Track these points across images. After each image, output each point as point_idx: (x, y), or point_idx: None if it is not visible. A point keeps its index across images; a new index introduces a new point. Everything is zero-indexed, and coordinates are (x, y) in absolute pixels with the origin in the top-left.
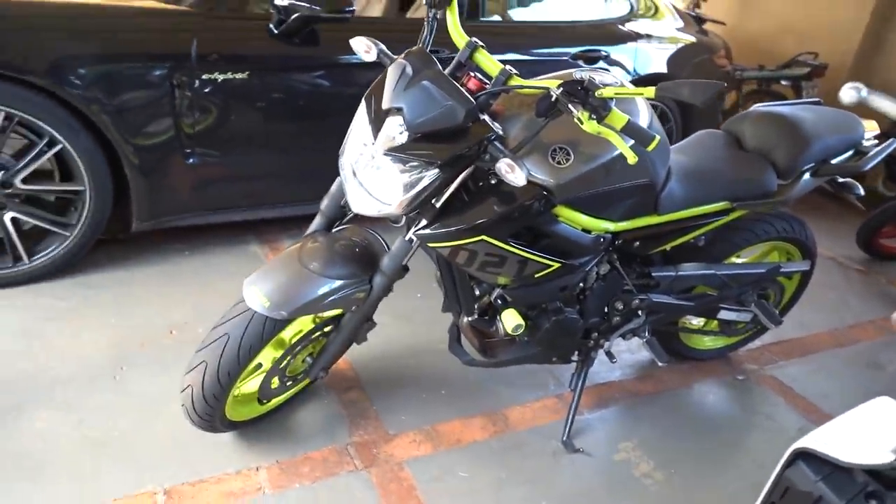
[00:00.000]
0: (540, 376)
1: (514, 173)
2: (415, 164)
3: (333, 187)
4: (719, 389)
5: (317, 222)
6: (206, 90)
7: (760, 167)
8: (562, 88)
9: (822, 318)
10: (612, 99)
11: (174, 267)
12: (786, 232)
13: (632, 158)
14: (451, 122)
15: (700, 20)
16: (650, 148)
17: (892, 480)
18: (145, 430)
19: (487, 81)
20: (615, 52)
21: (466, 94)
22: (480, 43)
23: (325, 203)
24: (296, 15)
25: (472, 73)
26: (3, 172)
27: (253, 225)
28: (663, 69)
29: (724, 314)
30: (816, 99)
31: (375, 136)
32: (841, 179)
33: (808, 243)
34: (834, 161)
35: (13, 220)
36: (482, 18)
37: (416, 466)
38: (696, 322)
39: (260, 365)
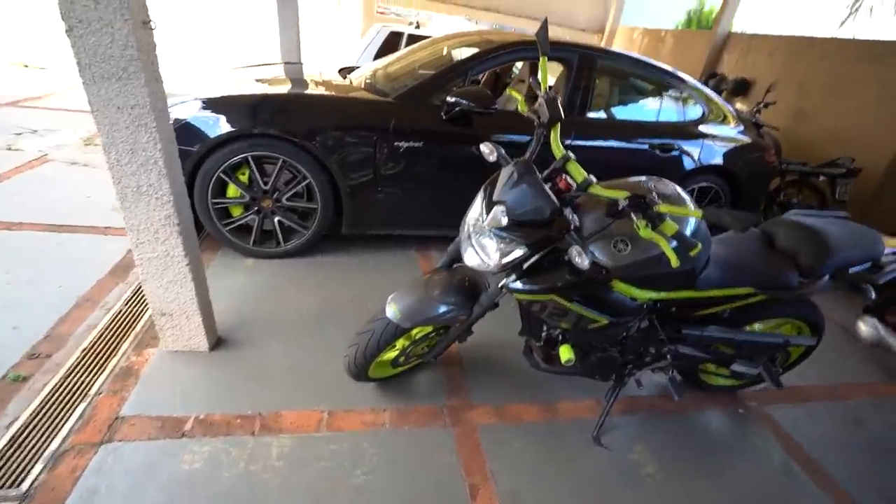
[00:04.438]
0: (586, 382)
1: (580, 259)
2: (511, 240)
3: (457, 239)
4: (723, 418)
5: (443, 261)
6: (396, 152)
7: (785, 265)
8: (628, 200)
9: (822, 373)
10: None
11: (360, 259)
12: (798, 313)
13: (674, 262)
14: (540, 217)
15: (758, 125)
16: (692, 253)
17: None
18: (326, 367)
19: (574, 184)
20: (686, 145)
21: (553, 197)
22: (572, 156)
23: (450, 248)
24: (459, 108)
25: (564, 176)
26: (277, 193)
27: (414, 237)
28: (721, 162)
29: (736, 367)
30: (844, 214)
31: (487, 215)
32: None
33: (817, 323)
34: (852, 270)
35: (279, 221)
36: (588, 115)
37: (485, 431)
38: (713, 366)
39: (394, 345)
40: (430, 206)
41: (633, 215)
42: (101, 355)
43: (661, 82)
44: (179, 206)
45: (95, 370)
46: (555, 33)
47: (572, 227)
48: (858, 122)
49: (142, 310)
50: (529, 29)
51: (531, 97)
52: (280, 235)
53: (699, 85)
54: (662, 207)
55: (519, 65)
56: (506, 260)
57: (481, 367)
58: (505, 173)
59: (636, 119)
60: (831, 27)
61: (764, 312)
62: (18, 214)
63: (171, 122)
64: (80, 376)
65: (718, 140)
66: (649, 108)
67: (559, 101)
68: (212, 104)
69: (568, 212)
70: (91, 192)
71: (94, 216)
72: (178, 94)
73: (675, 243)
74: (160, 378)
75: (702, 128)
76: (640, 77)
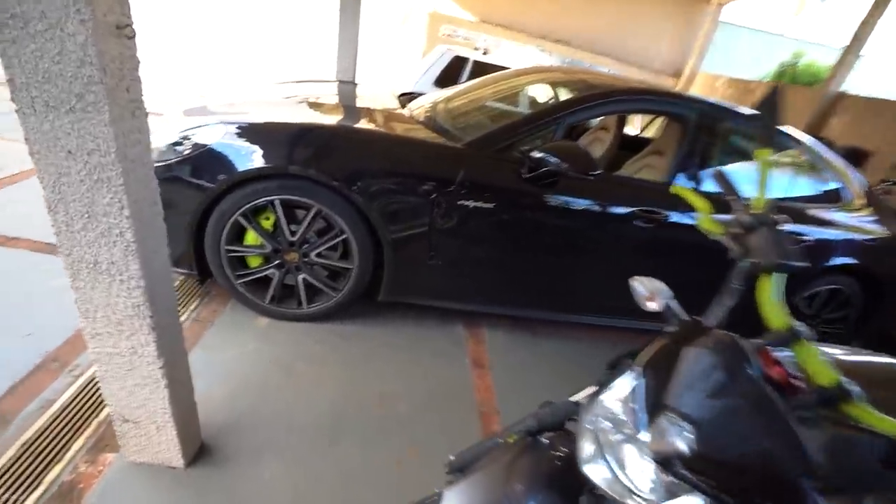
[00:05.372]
0: None
1: None
2: (686, 480)
3: (561, 403)
4: None
5: (528, 423)
6: (458, 211)
7: None
8: None
9: None
10: None
11: (395, 332)
12: None
13: None
14: (765, 465)
15: None
16: None
17: None
18: None
19: (797, 375)
20: (817, 234)
21: (797, 438)
22: (805, 332)
23: (545, 410)
24: (546, 168)
25: (772, 355)
26: (307, 246)
27: (462, 311)
28: (857, 259)
29: None
30: None
31: (646, 424)
32: None
33: None
34: None
35: (304, 279)
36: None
37: None
38: None
39: None
40: (494, 280)
41: None
42: (44, 454)
43: (789, 153)
44: (155, 292)
45: (29, 483)
46: (629, 74)
47: (811, 477)
48: None
49: None
50: (603, 67)
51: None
52: (303, 295)
53: (835, 159)
54: None
55: None
56: None
57: None
58: (695, 363)
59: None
60: None
61: None
62: (18, 227)
63: (190, 147)
64: (5, 494)
65: (854, 230)
66: (774, 184)
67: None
68: (241, 131)
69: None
70: None
71: None
72: (214, 111)
73: None
74: None
75: (834, 213)
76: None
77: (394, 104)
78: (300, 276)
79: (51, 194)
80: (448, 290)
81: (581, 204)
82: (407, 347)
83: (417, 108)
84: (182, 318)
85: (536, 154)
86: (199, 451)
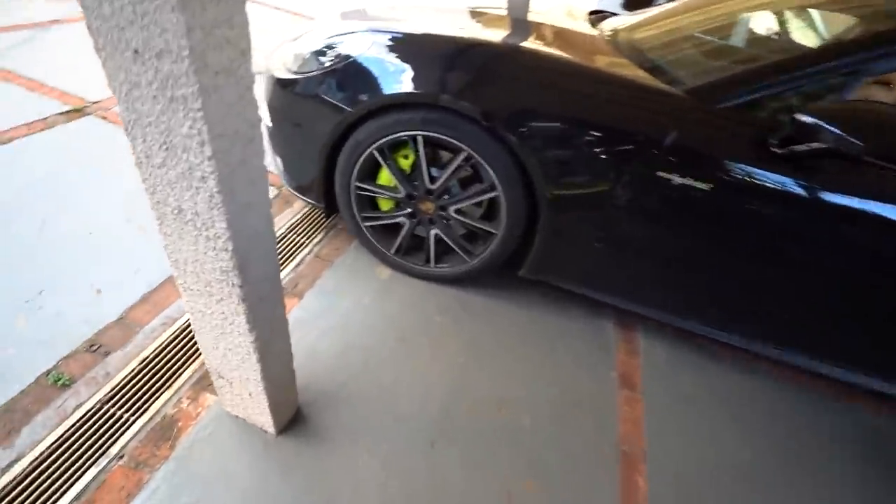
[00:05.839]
0: None
1: None
2: None
3: None
4: None
5: None
6: (654, 186)
7: None
8: None
9: None
10: None
11: (531, 318)
12: None
13: None
14: None
15: None
16: None
17: None
18: None
19: None
20: None
21: None
22: None
23: None
24: (819, 145)
25: None
26: (447, 197)
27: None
28: None
29: None
30: None
31: None
32: None
33: None
34: None
35: (436, 235)
36: None
37: None
38: None
39: None
40: (680, 284)
41: None
42: (155, 378)
43: None
44: (247, 258)
45: (137, 406)
46: None
47: None
48: None
49: None
50: None
51: None
52: (433, 252)
53: None
54: None
55: None
56: None
57: None
58: None
59: None
60: None
61: None
62: None
63: (333, 58)
64: (116, 411)
65: None
66: None
67: None
68: (392, 42)
69: None
70: None
71: None
72: (372, 16)
73: None
74: (199, 459)
75: None
76: None
77: (581, 23)
78: (433, 231)
79: (125, 112)
80: (612, 281)
81: (860, 205)
82: (542, 340)
83: (617, 29)
84: (304, 252)
85: (807, 118)
86: (293, 418)
